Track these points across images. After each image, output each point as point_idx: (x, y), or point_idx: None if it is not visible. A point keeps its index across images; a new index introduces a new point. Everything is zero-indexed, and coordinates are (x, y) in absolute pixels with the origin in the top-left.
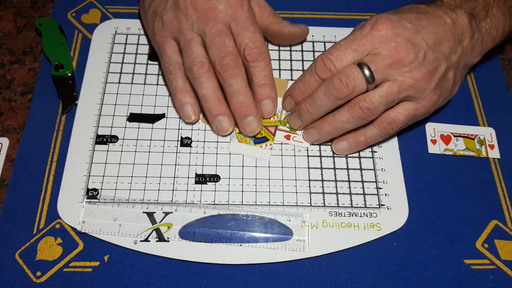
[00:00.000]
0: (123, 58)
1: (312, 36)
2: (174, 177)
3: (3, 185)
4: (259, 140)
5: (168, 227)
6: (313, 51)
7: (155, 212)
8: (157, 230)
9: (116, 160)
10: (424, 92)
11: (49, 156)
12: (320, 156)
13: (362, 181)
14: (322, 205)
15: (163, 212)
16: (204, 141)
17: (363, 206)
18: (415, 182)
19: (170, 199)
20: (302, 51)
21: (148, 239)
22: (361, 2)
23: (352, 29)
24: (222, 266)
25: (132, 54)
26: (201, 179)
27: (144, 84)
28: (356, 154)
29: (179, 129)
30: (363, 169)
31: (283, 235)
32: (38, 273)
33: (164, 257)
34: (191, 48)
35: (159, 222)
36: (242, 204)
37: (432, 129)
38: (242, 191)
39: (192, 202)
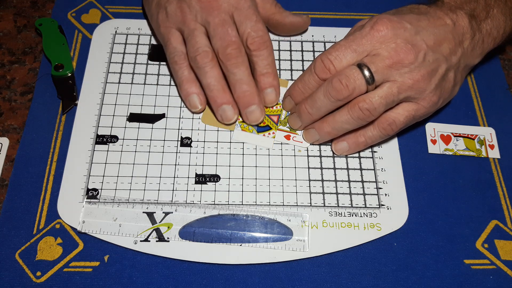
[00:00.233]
0: (123, 58)
1: (312, 36)
2: (174, 177)
3: (3, 185)
4: (262, 128)
5: (168, 227)
6: (313, 51)
7: (155, 212)
8: (157, 230)
9: (116, 160)
10: (424, 93)
11: (49, 156)
12: (320, 156)
13: (362, 181)
14: (322, 205)
15: (163, 212)
16: (204, 141)
17: (363, 206)
18: (415, 182)
19: (170, 199)
20: (302, 51)
21: (148, 239)
22: (361, 2)
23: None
24: (222, 266)
25: (132, 54)
26: (201, 179)
27: (144, 84)
28: (356, 154)
29: (179, 129)
30: (363, 169)
31: (283, 235)
32: (38, 273)
33: (164, 257)
34: (195, 38)
35: (159, 222)
36: (242, 204)
37: (432, 129)
38: (242, 191)
39: (192, 202)
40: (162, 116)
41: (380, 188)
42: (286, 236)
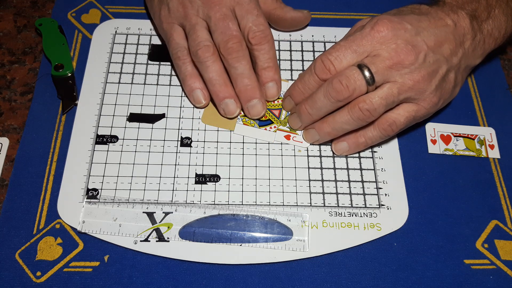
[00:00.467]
0: (123, 58)
1: (312, 36)
2: (174, 177)
3: (3, 185)
4: (263, 122)
5: (168, 227)
6: (313, 51)
7: (155, 212)
8: (157, 230)
9: (116, 160)
10: (424, 93)
11: (49, 156)
12: (320, 156)
13: (362, 181)
14: (322, 205)
15: (163, 212)
16: (204, 141)
17: (363, 206)
18: (415, 182)
19: (170, 199)
20: (302, 51)
21: (148, 239)
22: (361, 2)
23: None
24: (222, 266)
25: (132, 54)
26: (201, 179)
27: (144, 84)
28: (356, 154)
29: (179, 129)
30: (363, 169)
31: (283, 235)
32: (38, 273)
33: (164, 257)
34: (196, 32)
35: (159, 222)
36: (242, 204)
37: (432, 129)
38: (242, 191)
39: (192, 202)
40: (162, 116)
41: (380, 188)
42: (286, 236)
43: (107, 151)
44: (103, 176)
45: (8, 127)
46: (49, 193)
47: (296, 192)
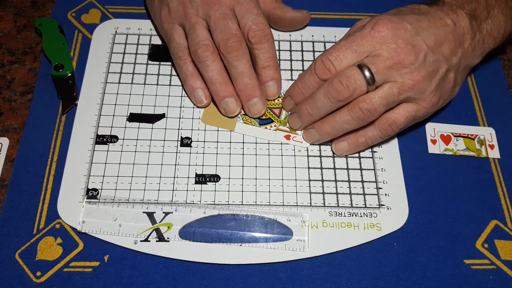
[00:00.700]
0: (123, 58)
1: (312, 36)
2: (174, 177)
3: (3, 185)
4: (264, 121)
5: (168, 227)
6: (313, 51)
7: (155, 212)
8: (157, 230)
9: (116, 160)
10: (424, 93)
11: (49, 156)
12: (320, 156)
13: (362, 181)
14: (322, 205)
15: (163, 212)
16: (204, 141)
17: (363, 206)
18: (415, 182)
19: (170, 199)
20: (302, 51)
21: (148, 239)
22: (361, 2)
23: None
24: (222, 266)
25: (132, 54)
26: (201, 179)
27: (144, 84)
28: (356, 154)
29: (179, 129)
30: (363, 169)
31: (283, 235)
32: (38, 273)
33: (164, 257)
34: (196, 32)
35: (159, 222)
36: (242, 204)
37: (432, 129)
38: (242, 191)
39: (192, 202)
40: (162, 116)
41: (380, 188)
42: (286, 236)
43: (107, 151)
44: (103, 176)
45: (8, 127)
46: (49, 193)
47: (296, 192)
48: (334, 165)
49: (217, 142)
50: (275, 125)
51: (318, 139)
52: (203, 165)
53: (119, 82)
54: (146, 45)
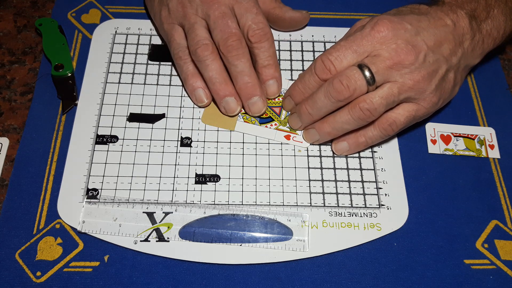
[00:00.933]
0: (123, 58)
1: (312, 36)
2: (174, 177)
3: (3, 185)
4: (264, 120)
5: (168, 227)
6: (313, 51)
7: (155, 212)
8: (157, 230)
9: (116, 160)
10: (424, 93)
11: (49, 156)
12: (320, 156)
13: (362, 181)
14: (322, 205)
15: (163, 212)
16: (204, 141)
17: (363, 206)
18: (415, 182)
19: (170, 199)
20: (302, 51)
21: (148, 239)
22: (361, 2)
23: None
24: (222, 266)
25: (132, 54)
26: (201, 179)
27: (144, 84)
28: (356, 154)
29: (179, 129)
30: (363, 169)
31: (283, 235)
32: (38, 273)
33: (164, 257)
34: (195, 31)
35: (159, 222)
36: (242, 204)
37: (432, 129)
38: (242, 191)
39: (192, 202)
40: (162, 116)
41: (380, 188)
42: (286, 236)
43: (107, 151)
44: (103, 176)
45: (8, 127)
46: (49, 193)
47: (296, 192)
48: (334, 165)
49: (217, 142)
50: (275, 124)
51: (318, 139)
52: (203, 165)
53: (119, 82)
54: (146, 45)
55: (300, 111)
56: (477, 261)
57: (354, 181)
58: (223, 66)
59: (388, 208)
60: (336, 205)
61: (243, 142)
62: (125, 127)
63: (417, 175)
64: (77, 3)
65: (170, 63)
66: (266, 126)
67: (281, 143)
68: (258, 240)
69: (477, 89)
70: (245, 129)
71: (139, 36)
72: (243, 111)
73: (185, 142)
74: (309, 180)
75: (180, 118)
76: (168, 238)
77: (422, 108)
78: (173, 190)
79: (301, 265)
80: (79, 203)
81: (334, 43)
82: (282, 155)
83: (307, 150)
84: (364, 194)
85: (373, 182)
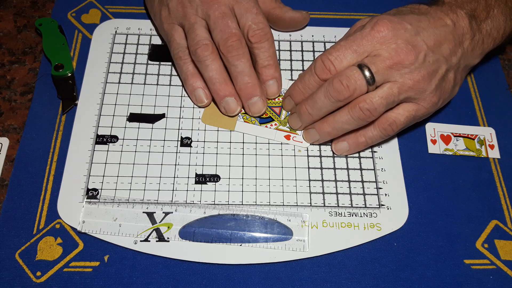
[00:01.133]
0: (123, 58)
1: (312, 36)
2: (174, 177)
3: (3, 185)
4: (264, 120)
5: (168, 227)
6: (313, 51)
7: (155, 212)
8: (157, 230)
9: (116, 160)
10: (424, 93)
11: (49, 156)
12: (320, 156)
13: (362, 181)
14: (322, 205)
15: (163, 212)
16: (204, 141)
17: (363, 206)
18: (415, 182)
19: (170, 199)
20: (302, 51)
21: (148, 239)
22: (361, 2)
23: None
24: (222, 266)
25: (132, 54)
26: (201, 179)
27: (144, 84)
28: (356, 154)
29: (179, 129)
30: (363, 169)
31: (283, 235)
32: (38, 273)
33: (164, 257)
34: (195, 31)
35: (159, 222)
36: (242, 204)
37: (432, 129)
38: (242, 191)
39: (192, 202)
40: (162, 116)
41: (380, 188)
42: (286, 236)
43: (107, 151)
44: (103, 176)
45: (8, 127)
46: (49, 193)
47: (296, 192)
48: (334, 165)
49: (217, 142)
50: (275, 124)
51: (318, 139)
52: (203, 165)
53: (119, 82)
54: (146, 45)
55: (300, 111)
56: (477, 261)
57: (354, 181)
58: (223, 66)
59: (388, 208)
60: (336, 205)
61: (243, 142)
62: (125, 127)
63: (417, 175)
64: (77, 3)
65: (170, 63)
66: (266, 126)
67: (281, 143)
68: (258, 240)
69: (477, 89)
70: (245, 129)
71: (139, 36)
72: (243, 111)
73: (185, 142)
74: (309, 180)
75: (180, 118)
76: (168, 238)
77: (422, 108)
78: (173, 190)
79: (301, 265)
80: (79, 203)
81: (334, 43)
82: (282, 155)
83: (307, 150)
84: (364, 194)
85: (373, 182)
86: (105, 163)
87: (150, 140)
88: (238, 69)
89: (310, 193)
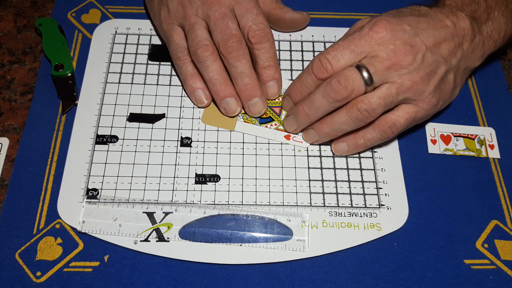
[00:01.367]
0: (123, 58)
1: (312, 36)
2: (174, 177)
3: (3, 185)
4: (264, 120)
5: (168, 227)
6: (313, 51)
7: (155, 212)
8: (157, 230)
9: (116, 160)
10: (423, 94)
11: (49, 156)
12: (320, 156)
13: (362, 181)
14: (322, 205)
15: (163, 212)
16: (204, 141)
17: (363, 206)
18: (415, 182)
19: (170, 199)
20: (302, 51)
21: (148, 239)
22: (361, 2)
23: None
24: (222, 266)
25: (132, 54)
26: (201, 179)
27: (144, 84)
28: (356, 154)
29: (179, 129)
30: (363, 169)
31: (283, 235)
32: (38, 273)
33: (164, 257)
34: (195, 32)
35: (159, 222)
36: (242, 204)
37: (432, 129)
38: (242, 191)
39: (192, 202)
40: (162, 116)
41: (380, 188)
42: (286, 236)
43: (107, 151)
44: (103, 176)
45: (8, 127)
46: (49, 193)
47: (296, 192)
48: (334, 165)
49: (217, 142)
50: (275, 124)
51: (317, 139)
52: (203, 165)
53: (119, 82)
54: (146, 45)
55: (297, 112)
56: (477, 261)
57: (354, 181)
58: (223, 67)
59: (388, 208)
60: (336, 205)
61: (243, 142)
62: (125, 127)
63: (417, 175)
64: (77, 3)
65: (170, 63)
66: (266, 126)
67: (281, 143)
68: (258, 240)
69: (477, 89)
70: (245, 129)
71: (139, 36)
72: (243, 111)
73: (185, 142)
74: (309, 180)
75: (180, 118)
76: (168, 238)
77: (422, 109)
78: (173, 190)
79: (301, 265)
80: (79, 203)
81: (333, 43)
82: (282, 155)
83: (307, 150)
84: (364, 194)
85: (373, 182)
86: (105, 163)
87: (150, 140)
88: (238, 70)
89: (310, 193)
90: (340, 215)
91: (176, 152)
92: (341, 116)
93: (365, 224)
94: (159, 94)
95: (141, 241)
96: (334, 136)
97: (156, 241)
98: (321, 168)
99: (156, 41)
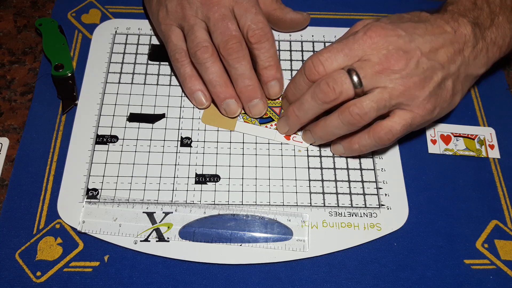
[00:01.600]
0: (123, 58)
1: (312, 36)
2: (174, 177)
3: (3, 185)
4: (264, 120)
5: (168, 227)
6: (313, 51)
7: (155, 212)
8: (157, 230)
9: (116, 160)
10: (417, 100)
11: (49, 156)
12: (320, 156)
13: (362, 181)
14: (322, 205)
15: (163, 212)
16: (204, 141)
17: (363, 206)
18: (415, 182)
19: (170, 199)
20: (302, 51)
21: (148, 239)
22: (361, 2)
23: None
24: (222, 266)
25: (132, 54)
26: (201, 179)
27: (144, 84)
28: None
29: (179, 129)
30: (363, 169)
31: (283, 235)
32: (38, 273)
33: (164, 257)
34: (195, 33)
35: (159, 222)
36: (242, 204)
37: (432, 129)
38: (242, 191)
39: (192, 202)
40: (162, 116)
41: (380, 188)
42: (286, 236)
43: (107, 151)
44: (103, 176)
45: (8, 127)
46: (49, 193)
47: (296, 192)
48: (334, 165)
49: (217, 142)
50: (275, 124)
51: (314, 141)
52: (203, 165)
53: (119, 82)
54: (146, 45)
55: (288, 113)
56: (477, 261)
57: (354, 181)
58: (223, 68)
59: (388, 208)
60: (336, 205)
61: (243, 142)
62: (125, 127)
63: (417, 175)
64: (77, 3)
65: (170, 63)
66: (266, 126)
67: (281, 143)
68: (258, 240)
69: (477, 89)
70: (245, 129)
71: (139, 36)
72: (243, 111)
73: (185, 142)
74: (309, 180)
75: (180, 118)
76: (168, 238)
77: (418, 115)
78: (173, 190)
79: (301, 265)
80: (79, 203)
81: (327, 45)
82: (282, 155)
83: (307, 150)
84: (364, 194)
85: (373, 182)
86: (105, 163)
87: (150, 140)
88: (239, 71)
89: (310, 193)
90: (340, 215)
91: (176, 152)
92: (333, 120)
93: (365, 224)
94: (159, 94)
95: (141, 241)
96: (327, 140)
97: (156, 241)
98: (321, 168)
99: (156, 41)
